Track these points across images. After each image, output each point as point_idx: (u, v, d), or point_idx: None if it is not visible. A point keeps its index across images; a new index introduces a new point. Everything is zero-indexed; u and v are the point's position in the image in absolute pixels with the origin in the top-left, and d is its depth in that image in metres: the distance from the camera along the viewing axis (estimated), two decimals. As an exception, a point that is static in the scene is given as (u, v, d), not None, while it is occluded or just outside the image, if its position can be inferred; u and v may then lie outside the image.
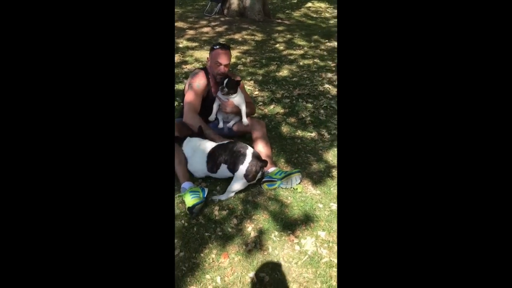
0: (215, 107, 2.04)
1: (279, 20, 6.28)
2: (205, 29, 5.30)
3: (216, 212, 1.65)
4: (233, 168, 1.70)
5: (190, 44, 4.55)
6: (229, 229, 1.55)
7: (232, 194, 1.75)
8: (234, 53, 4.24)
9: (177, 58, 3.99)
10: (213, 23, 5.63)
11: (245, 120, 2.03)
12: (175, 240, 1.48)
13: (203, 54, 4.11)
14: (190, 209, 1.57)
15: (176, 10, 6.70)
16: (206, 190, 1.69)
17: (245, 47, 4.55)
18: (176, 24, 5.55)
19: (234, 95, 1.96)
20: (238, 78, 2.06)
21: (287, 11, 7.36)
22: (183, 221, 1.58)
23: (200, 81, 1.99)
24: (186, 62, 3.85)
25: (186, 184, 1.72)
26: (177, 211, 1.64)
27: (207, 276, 1.32)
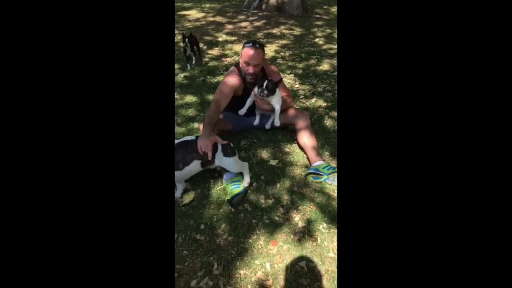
0: (248, 102, 1.99)
1: (317, 15, 6.16)
2: (244, 24, 5.33)
3: (262, 200, 1.64)
4: (209, 161, 1.56)
5: (229, 38, 4.59)
6: (276, 218, 1.54)
7: (247, 174, 1.71)
8: (273, 47, 4.22)
9: (217, 51, 4.04)
10: (251, 18, 5.64)
11: (277, 121, 1.99)
12: (223, 225, 1.49)
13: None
14: (229, 201, 1.58)
15: (214, 5, 6.80)
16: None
17: (284, 41, 4.51)
18: (215, 18, 5.63)
19: (272, 96, 1.91)
20: (278, 77, 1.99)
21: (325, 7, 7.21)
22: (230, 207, 1.59)
23: (233, 79, 1.91)
24: (226, 56, 3.89)
25: (226, 175, 1.72)
26: (223, 196, 1.65)
27: (256, 262, 1.32)
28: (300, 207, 1.61)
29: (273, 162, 1.91)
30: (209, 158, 1.53)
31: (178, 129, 2.25)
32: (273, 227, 1.49)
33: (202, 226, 1.49)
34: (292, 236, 1.44)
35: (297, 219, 1.54)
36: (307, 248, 1.38)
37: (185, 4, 6.87)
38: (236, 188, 1.61)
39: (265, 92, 1.85)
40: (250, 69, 1.87)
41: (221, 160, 1.59)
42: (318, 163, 1.80)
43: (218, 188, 1.71)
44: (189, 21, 5.50)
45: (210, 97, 2.76)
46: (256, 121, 2.12)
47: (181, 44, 3.41)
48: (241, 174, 1.70)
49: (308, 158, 1.90)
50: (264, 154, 2.00)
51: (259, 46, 1.84)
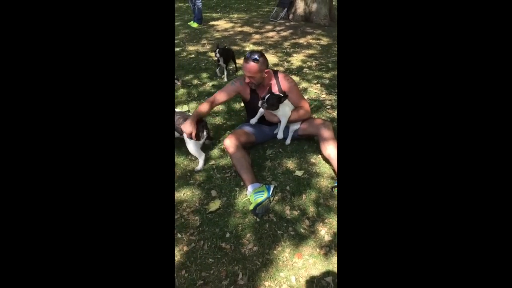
0: (259, 111, 2.02)
1: (345, 25, 6.11)
2: (270, 34, 5.39)
3: (288, 212, 1.63)
4: (180, 134, 1.98)
5: (256, 48, 4.66)
6: (302, 230, 1.52)
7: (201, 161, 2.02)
8: (299, 56, 4.23)
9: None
10: (278, 28, 5.70)
11: (280, 134, 2.05)
12: (248, 235, 1.50)
13: (268, 57, 4.16)
14: (253, 211, 1.58)
15: (242, 15, 6.94)
16: (272, 187, 1.69)
17: (310, 51, 4.50)
18: (242, 29, 5.74)
19: (276, 110, 1.93)
20: (293, 90, 2.01)
21: (352, 16, 7.13)
22: (255, 217, 1.59)
23: (237, 82, 2.05)
24: (252, 65, 3.94)
25: (250, 187, 1.71)
26: (248, 205, 1.66)
27: (281, 274, 1.30)
28: (326, 220, 1.58)
29: (298, 173, 1.90)
30: (194, 138, 1.92)
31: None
32: (299, 239, 1.47)
33: (228, 235, 1.50)
34: (318, 249, 1.42)
35: (323, 232, 1.51)
36: (333, 263, 1.35)
37: (214, 15, 7.07)
38: (259, 197, 1.61)
39: (265, 105, 1.88)
40: (246, 79, 1.95)
41: (186, 140, 1.97)
42: None
43: (244, 199, 1.72)
44: (218, 31, 5.64)
45: (237, 105, 2.80)
46: (276, 131, 2.11)
47: (211, 54, 3.49)
48: (265, 185, 1.70)
49: (334, 170, 1.87)
50: (290, 164, 2.00)
51: (253, 61, 1.87)
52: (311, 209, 1.64)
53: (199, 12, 5.94)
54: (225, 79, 3.43)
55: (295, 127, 2.08)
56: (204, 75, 3.59)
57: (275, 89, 2.03)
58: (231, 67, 3.73)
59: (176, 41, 4.96)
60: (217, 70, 3.53)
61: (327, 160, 1.96)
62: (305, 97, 2.94)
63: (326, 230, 1.52)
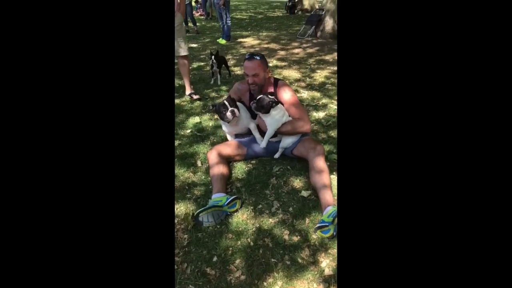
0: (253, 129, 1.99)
1: (376, 42, 5.89)
2: (296, 50, 5.32)
3: (286, 237, 1.44)
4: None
5: (279, 63, 4.59)
6: (299, 260, 1.32)
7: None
8: (323, 73, 4.08)
9: (266, 75, 4.04)
10: (304, 45, 5.62)
11: (263, 143, 1.91)
12: (238, 260, 1.33)
13: (291, 73, 4.07)
14: (195, 217, 1.51)
15: (270, 33, 6.98)
16: (232, 198, 1.56)
17: (336, 68, 4.33)
18: (269, 45, 5.74)
19: (266, 115, 1.81)
20: (290, 97, 1.91)
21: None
22: (249, 240, 1.42)
23: (239, 85, 2.07)
24: (273, 80, 3.86)
25: (213, 196, 1.63)
26: (244, 226, 1.50)
27: (267, 311, 1.11)
28: (330, 251, 1.37)
29: (304, 193, 1.71)
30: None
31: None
32: (295, 270, 1.27)
33: (215, 258, 1.34)
34: (315, 285, 1.21)
35: (324, 264, 1.30)
36: (331, 304, 1.13)
37: (244, 33, 7.19)
38: (211, 204, 1.53)
39: (254, 105, 1.80)
40: (249, 79, 1.88)
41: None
42: (327, 208, 1.49)
43: (241, 219, 1.56)
44: (244, 47, 5.68)
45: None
46: (262, 142, 1.93)
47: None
48: (227, 196, 1.61)
49: (320, 203, 1.58)
50: (297, 183, 1.81)
51: (255, 57, 1.86)
52: (314, 236, 1.44)
53: (227, 30, 6.06)
54: (219, 82, 3.68)
55: (286, 142, 1.91)
56: (224, 88, 3.55)
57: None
58: (225, 72, 3.90)
59: (202, 56, 5.05)
60: (212, 79, 3.76)
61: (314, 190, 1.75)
62: (324, 113, 2.77)
63: (328, 263, 1.31)
